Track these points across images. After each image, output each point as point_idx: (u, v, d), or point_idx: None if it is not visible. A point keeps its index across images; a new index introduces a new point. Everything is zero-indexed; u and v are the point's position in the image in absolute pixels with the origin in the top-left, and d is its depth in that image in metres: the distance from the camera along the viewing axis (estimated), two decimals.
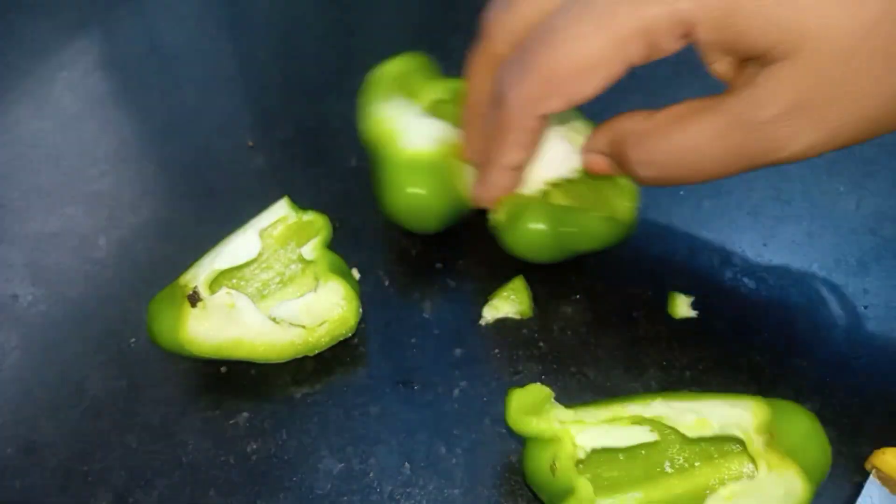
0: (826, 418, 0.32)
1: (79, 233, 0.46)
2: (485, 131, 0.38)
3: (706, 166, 0.32)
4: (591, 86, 0.32)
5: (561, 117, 0.41)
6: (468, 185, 0.42)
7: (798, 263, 0.43)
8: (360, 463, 0.36)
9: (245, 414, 0.38)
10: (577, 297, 0.42)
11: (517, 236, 0.40)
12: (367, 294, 0.42)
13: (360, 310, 0.39)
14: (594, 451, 0.31)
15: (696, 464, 0.32)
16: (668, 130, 0.32)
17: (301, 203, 0.40)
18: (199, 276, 0.37)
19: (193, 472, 0.36)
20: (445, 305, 0.42)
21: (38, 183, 0.50)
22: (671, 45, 0.31)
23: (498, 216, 0.40)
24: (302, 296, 0.38)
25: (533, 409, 0.32)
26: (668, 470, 0.32)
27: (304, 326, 0.37)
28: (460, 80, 0.46)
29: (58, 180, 0.50)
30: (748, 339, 0.40)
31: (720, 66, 0.32)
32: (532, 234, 0.39)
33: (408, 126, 0.41)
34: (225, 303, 0.36)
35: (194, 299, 0.36)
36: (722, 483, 0.32)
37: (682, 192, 0.46)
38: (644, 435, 0.31)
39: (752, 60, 0.30)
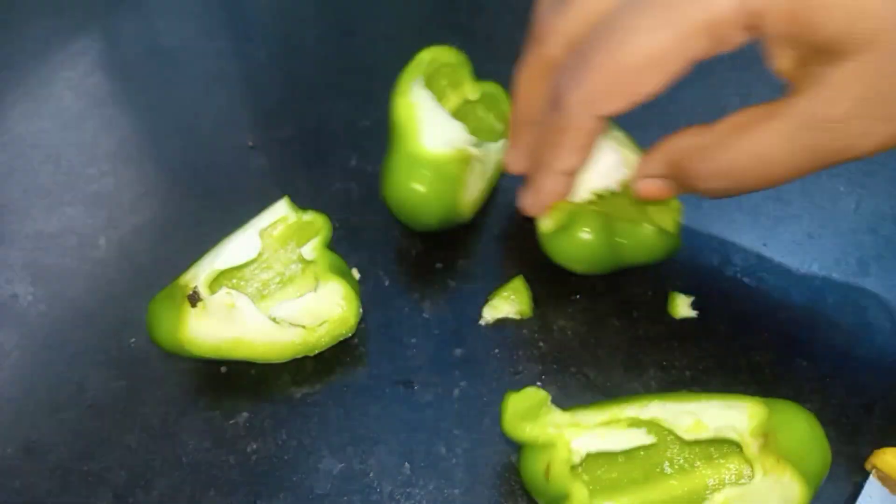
0: (826, 418, 0.32)
1: (79, 233, 0.47)
2: (537, 138, 0.37)
3: (777, 171, 0.31)
4: (653, 83, 0.31)
5: (610, 129, 0.40)
6: (471, 196, 0.42)
7: (798, 263, 0.43)
8: (360, 463, 0.36)
9: (245, 414, 0.38)
10: (577, 297, 0.42)
11: (565, 245, 0.39)
12: (367, 294, 0.42)
13: (360, 310, 0.39)
14: (592, 453, 0.31)
15: (697, 464, 0.32)
16: (734, 140, 0.32)
17: (301, 203, 0.40)
18: (199, 276, 0.37)
19: (193, 472, 0.36)
20: (445, 305, 0.42)
21: (38, 183, 0.50)
22: (737, 39, 0.30)
23: (545, 224, 0.40)
24: (302, 296, 0.38)
25: (529, 412, 0.32)
26: (668, 471, 0.32)
27: (304, 326, 0.37)
28: (492, 84, 0.46)
29: (58, 180, 0.50)
30: (748, 339, 0.40)
31: (783, 63, 0.31)
32: (582, 243, 0.38)
33: (430, 122, 0.41)
34: (225, 303, 0.36)
35: (194, 299, 0.36)
36: (722, 484, 0.32)
37: None
38: (640, 438, 0.31)
39: (818, 56, 0.29)
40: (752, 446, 0.30)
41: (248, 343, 0.37)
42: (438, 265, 0.44)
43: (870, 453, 0.34)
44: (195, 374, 0.40)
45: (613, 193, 0.40)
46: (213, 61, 0.58)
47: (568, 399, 0.37)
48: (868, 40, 0.27)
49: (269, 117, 0.54)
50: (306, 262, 0.40)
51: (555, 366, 0.39)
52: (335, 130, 0.51)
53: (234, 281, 0.39)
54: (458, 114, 0.45)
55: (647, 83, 0.31)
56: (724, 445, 0.32)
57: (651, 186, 0.36)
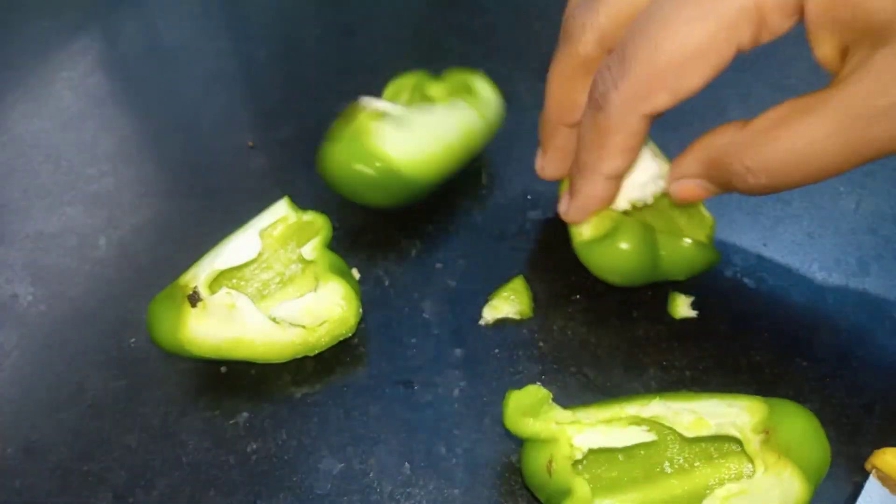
0: (826, 418, 0.32)
1: (79, 233, 0.47)
2: (576, 141, 0.36)
3: (824, 165, 0.30)
4: (699, 76, 0.30)
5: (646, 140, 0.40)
6: (405, 153, 0.41)
7: (798, 263, 0.43)
8: (360, 463, 0.36)
9: (245, 414, 0.38)
10: (577, 297, 0.42)
11: (604, 256, 0.38)
12: (367, 294, 0.42)
13: (360, 310, 0.39)
14: (593, 452, 0.31)
15: (696, 464, 0.32)
16: (775, 135, 0.30)
17: (301, 203, 0.40)
18: (199, 276, 0.37)
19: (193, 472, 0.36)
20: (445, 305, 0.42)
21: (38, 183, 0.50)
22: (782, 25, 0.29)
23: (582, 233, 0.39)
24: (302, 296, 0.38)
25: (531, 410, 0.32)
26: (668, 470, 0.32)
27: (304, 326, 0.37)
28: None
29: (58, 180, 0.50)
30: (748, 339, 0.40)
31: (825, 50, 0.30)
32: (621, 254, 0.37)
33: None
34: (225, 303, 0.36)
35: (194, 299, 0.36)
36: (722, 483, 0.32)
37: None
38: (641, 435, 0.31)
39: (864, 40, 0.28)
40: (753, 442, 0.30)
41: (248, 343, 0.37)
42: (438, 265, 0.44)
43: (870, 453, 0.34)
44: (195, 374, 0.40)
45: (647, 205, 0.39)
46: (213, 61, 0.58)
47: (568, 399, 0.37)
48: None
49: (269, 117, 0.54)
50: (306, 262, 0.40)
51: (555, 366, 0.39)
52: None
53: (234, 281, 0.39)
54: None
55: (692, 76, 0.30)
56: (724, 445, 0.32)
57: (687, 187, 0.35)
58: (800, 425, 0.31)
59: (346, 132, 0.42)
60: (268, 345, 0.37)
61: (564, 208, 0.38)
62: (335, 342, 0.39)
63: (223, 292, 0.36)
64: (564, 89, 0.36)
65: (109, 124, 0.53)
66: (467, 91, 0.46)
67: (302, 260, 0.40)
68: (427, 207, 0.46)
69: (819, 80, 0.55)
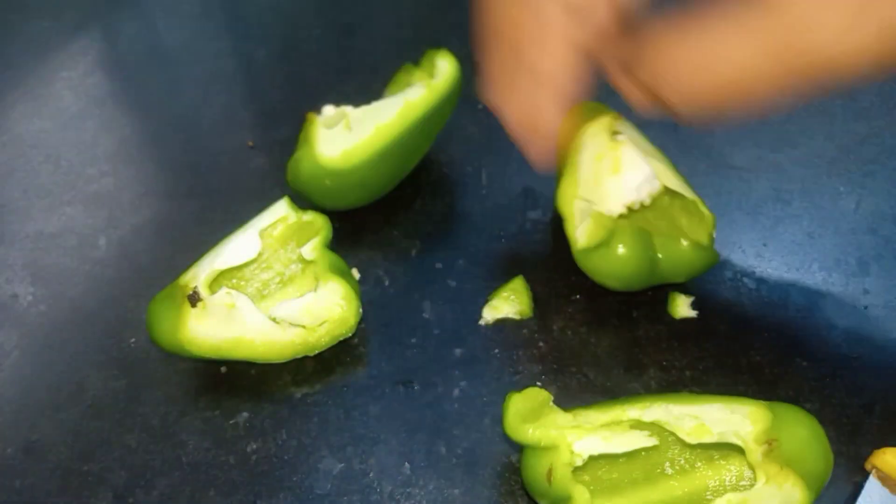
0: (826, 418, 0.32)
1: (79, 233, 0.47)
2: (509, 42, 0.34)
3: (745, 77, 0.28)
4: None
5: (637, 140, 0.40)
6: (337, 147, 0.42)
7: (798, 263, 0.43)
8: (360, 463, 0.36)
9: (245, 414, 0.38)
10: (577, 297, 0.42)
11: (604, 261, 0.38)
12: (367, 294, 0.42)
13: (360, 310, 0.39)
14: (594, 455, 0.31)
15: (698, 465, 0.32)
16: (696, 39, 0.28)
17: (301, 203, 0.40)
18: (199, 276, 0.37)
19: (193, 472, 0.36)
20: (445, 305, 0.42)
21: (38, 183, 0.50)
22: None
23: (580, 240, 0.39)
24: (302, 296, 0.38)
25: (531, 413, 0.32)
26: (669, 471, 0.32)
27: (304, 326, 0.37)
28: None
29: (58, 180, 0.50)
30: (748, 339, 0.40)
31: None
32: (619, 259, 0.37)
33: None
34: (225, 303, 0.36)
35: (194, 299, 0.36)
36: (722, 486, 0.32)
37: None
38: (642, 440, 0.31)
39: None
40: (755, 453, 0.30)
41: (248, 343, 0.37)
42: (438, 265, 0.44)
43: (870, 453, 0.34)
44: (195, 374, 0.40)
45: (645, 207, 0.39)
46: (213, 61, 0.58)
47: (568, 399, 0.37)
48: None
49: (269, 117, 0.54)
50: (306, 262, 0.40)
51: (555, 366, 0.39)
52: None
53: (234, 281, 0.39)
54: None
55: None
56: (725, 447, 0.32)
57: (634, 91, 0.33)
58: (803, 434, 0.31)
59: (298, 145, 0.43)
60: (268, 345, 0.37)
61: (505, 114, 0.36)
62: (335, 342, 0.39)
63: (223, 292, 0.36)
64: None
65: (109, 124, 0.53)
66: (429, 69, 0.45)
67: (302, 260, 0.40)
68: (427, 207, 0.46)
69: None
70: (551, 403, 0.32)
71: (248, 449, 0.37)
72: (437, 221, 0.46)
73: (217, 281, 0.38)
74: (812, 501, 0.30)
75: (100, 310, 0.43)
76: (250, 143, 0.51)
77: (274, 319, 0.37)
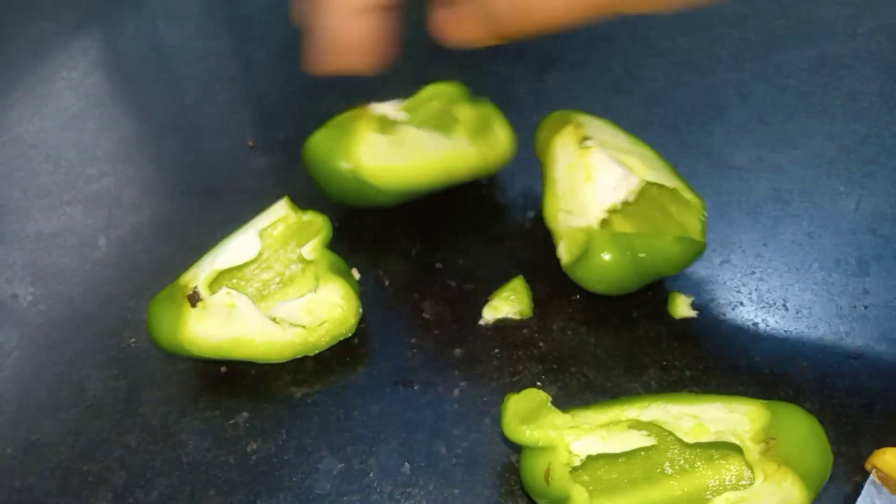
0: (826, 418, 0.32)
1: (79, 233, 0.47)
2: None
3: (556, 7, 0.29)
4: None
5: (608, 139, 0.40)
6: (380, 160, 0.41)
7: (798, 263, 0.43)
8: (360, 463, 0.36)
9: (245, 414, 0.38)
10: (577, 297, 0.42)
11: (590, 271, 0.38)
12: (367, 294, 0.42)
13: (360, 310, 0.39)
14: (592, 455, 0.31)
15: (697, 464, 0.32)
16: None
17: (301, 203, 0.40)
18: (199, 276, 0.37)
19: (193, 472, 0.36)
20: (445, 305, 0.42)
21: (38, 183, 0.50)
22: None
23: (564, 255, 0.39)
24: (302, 296, 0.38)
25: (530, 414, 0.32)
26: (668, 471, 0.32)
27: (304, 326, 0.37)
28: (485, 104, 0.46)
29: (58, 180, 0.50)
30: (748, 339, 0.40)
31: None
32: (605, 265, 0.37)
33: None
34: (225, 303, 0.36)
35: (194, 299, 0.36)
36: (721, 485, 0.32)
37: None
38: (640, 440, 0.31)
39: None
40: (753, 451, 0.30)
41: (248, 343, 0.37)
42: (438, 265, 0.44)
43: (870, 453, 0.34)
44: (195, 374, 0.40)
45: (631, 205, 0.39)
46: (213, 61, 0.58)
47: (568, 399, 0.37)
48: None
49: (268, 117, 0.54)
50: (306, 262, 0.40)
51: (555, 366, 0.39)
52: None
53: (234, 281, 0.39)
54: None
55: None
56: (725, 446, 0.32)
57: (451, 17, 0.33)
58: (801, 433, 0.31)
59: (336, 124, 0.42)
60: (268, 345, 0.37)
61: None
62: (335, 342, 0.39)
63: (223, 292, 0.36)
64: None
65: (109, 124, 0.53)
66: (484, 127, 0.45)
67: (302, 260, 0.40)
68: (427, 207, 0.46)
69: (819, 80, 0.55)
70: (549, 404, 0.32)
71: (248, 449, 0.37)
72: (437, 221, 0.46)
73: (217, 281, 0.38)
74: (811, 500, 0.30)
75: (100, 310, 0.43)
76: (250, 143, 0.51)
77: (274, 319, 0.37)
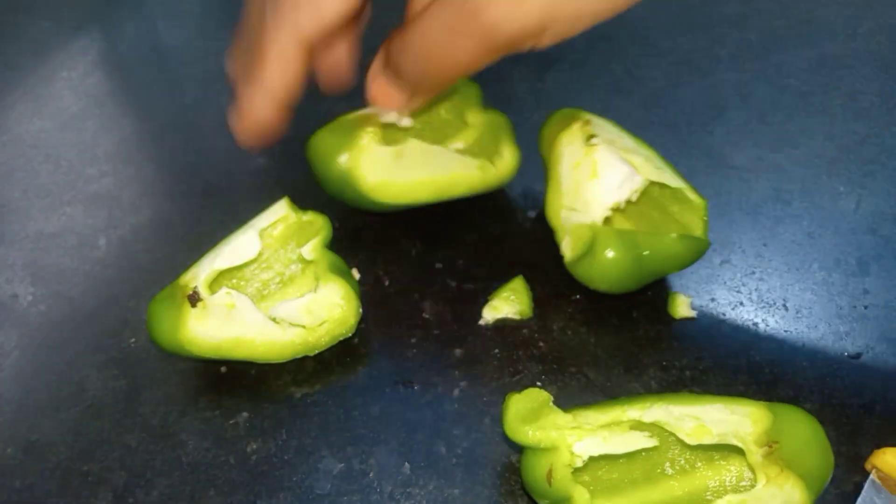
0: (826, 418, 0.32)
1: (79, 233, 0.47)
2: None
3: (445, 59, 0.31)
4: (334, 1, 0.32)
5: (614, 138, 0.40)
6: (380, 174, 0.41)
7: (798, 263, 0.43)
8: (360, 463, 0.36)
9: (245, 414, 0.38)
10: (577, 297, 0.42)
11: (593, 269, 0.38)
12: (367, 294, 0.42)
13: (360, 310, 0.39)
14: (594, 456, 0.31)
15: (698, 465, 0.32)
16: (415, 27, 0.31)
17: (301, 203, 0.40)
18: (199, 276, 0.37)
19: (193, 472, 0.36)
20: (445, 305, 0.42)
21: (38, 183, 0.50)
22: None
23: (568, 251, 0.39)
24: (302, 296, 0.38)
25: (531, 414, 0.32)
26: (669, 472, 0.32)
27: (304, 326, 0.37)
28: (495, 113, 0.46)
29: (58, 180, 0.50)
30: (748, 339, 0.40)
31: None
32: (609, 262, 0.37)
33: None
34: (225, 303, 0.36)
35: (194, 299, 0.36)
36: (722, 486, 0.32)
37: None
38: (642, 441, 0.31)
39: None
40: (755, 454, 0.30)
41: (248, 343, 0.37)
42: (438, 265, 0.44)
43: (870, 453, 0.34)
44: (195, 374, 0.40)
45: (633, 204, 0.39)
46: (213, 61, 0.58)
47: (568, 399, 0.37)
48: None
49: None
50: (306, 262, 0.40)
51: (555, 366, 0.39)
52: None
53: (234, 281, 0.39)
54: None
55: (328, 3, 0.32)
56: (726, 447, 0.32)
57: (377, 84, 0.34)
58: (803, 435, 0.31)
59: (342, 126, 0.42)
60: (268, 345, 0.37)
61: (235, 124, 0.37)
62: (335, 342, 0.39)
63: (223, 292, 0.36)
64: None
65: (109, 124, 0.53)
66: (491, 145, 0.45)
67: (302, 260, 0.40)
68: (427, 207, 0.46)
69: (819, 80, 0.55)
70: (551, 404, 0.32)
71: (248, 449, 0.37)
72: (437, 221, 0.46)
73: (217, 281, 0.38)
74: (812, 502, 0.30)
75: (100, 310, 0.43)
76: None
77: (274, 319, 0.37)
